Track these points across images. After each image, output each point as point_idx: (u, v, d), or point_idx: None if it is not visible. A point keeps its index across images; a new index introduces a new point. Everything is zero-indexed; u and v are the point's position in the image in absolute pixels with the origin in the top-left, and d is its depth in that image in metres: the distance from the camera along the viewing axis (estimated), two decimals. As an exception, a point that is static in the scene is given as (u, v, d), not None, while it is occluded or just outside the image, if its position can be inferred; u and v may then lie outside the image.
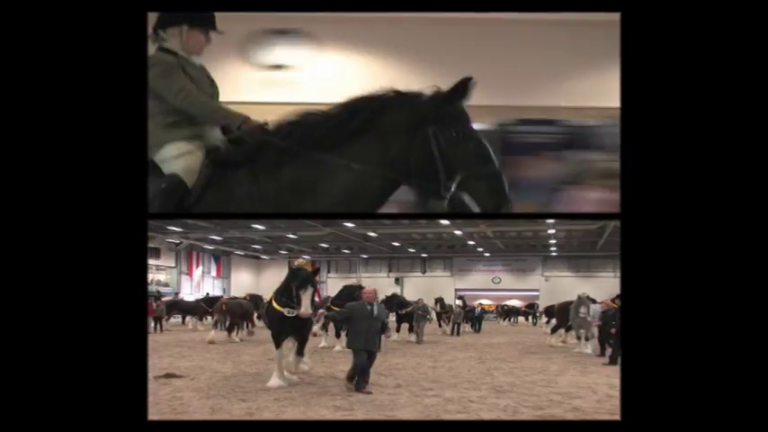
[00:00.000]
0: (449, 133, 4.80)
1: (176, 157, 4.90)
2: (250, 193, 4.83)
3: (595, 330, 14.21)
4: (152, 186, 4.83)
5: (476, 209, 4.72)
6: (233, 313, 18.17)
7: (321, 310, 11.48)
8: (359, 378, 8.00)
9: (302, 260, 8.63)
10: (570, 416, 6.75)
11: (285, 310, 8.53)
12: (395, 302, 19.38)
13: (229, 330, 17.95)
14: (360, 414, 6.64)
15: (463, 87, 4.79)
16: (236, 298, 21.96)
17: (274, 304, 8.81)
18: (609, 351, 13.03)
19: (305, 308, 8.23)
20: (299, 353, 9.26)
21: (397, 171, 4.83)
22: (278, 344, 8.76)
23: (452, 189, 4.73)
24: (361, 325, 8.13)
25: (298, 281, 8.39)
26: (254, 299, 20.03)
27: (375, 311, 8.24)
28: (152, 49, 5.09)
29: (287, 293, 8.60)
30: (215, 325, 18.95)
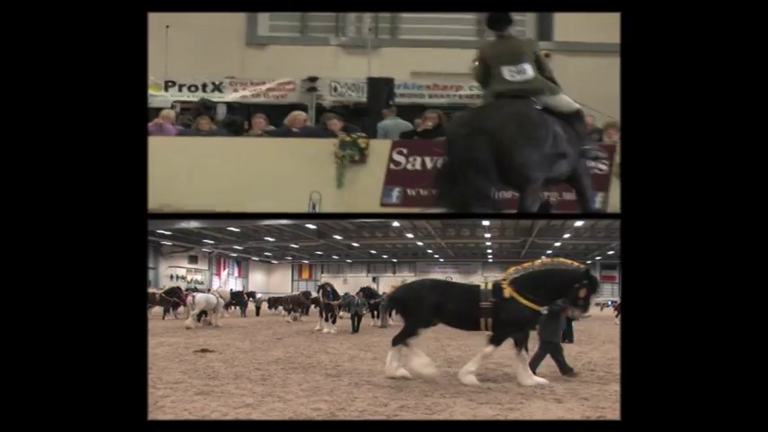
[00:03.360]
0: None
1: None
2: None
3: None
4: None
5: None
6: (292, 303, 21.25)
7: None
8: (563, 364, 6.87)
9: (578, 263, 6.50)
10: (500, 379, 6.82)
11: (542, 308, 6.24)
12: (368, 293, 19.26)
13: (294, 315, 20.64)
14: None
15: None
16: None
17: (525, 302, 6.11)
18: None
19: (589, 310, 6.26)
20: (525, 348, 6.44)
21: None
22: (525, 343, 6.25)
23: None
24: (560, 321, 6.96)
25: (592, 285, 6.16)
26: (306, 294, 22.41)
27: None
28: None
29: (556, 294, 6.23)
30: (288, 312, 21.46)
